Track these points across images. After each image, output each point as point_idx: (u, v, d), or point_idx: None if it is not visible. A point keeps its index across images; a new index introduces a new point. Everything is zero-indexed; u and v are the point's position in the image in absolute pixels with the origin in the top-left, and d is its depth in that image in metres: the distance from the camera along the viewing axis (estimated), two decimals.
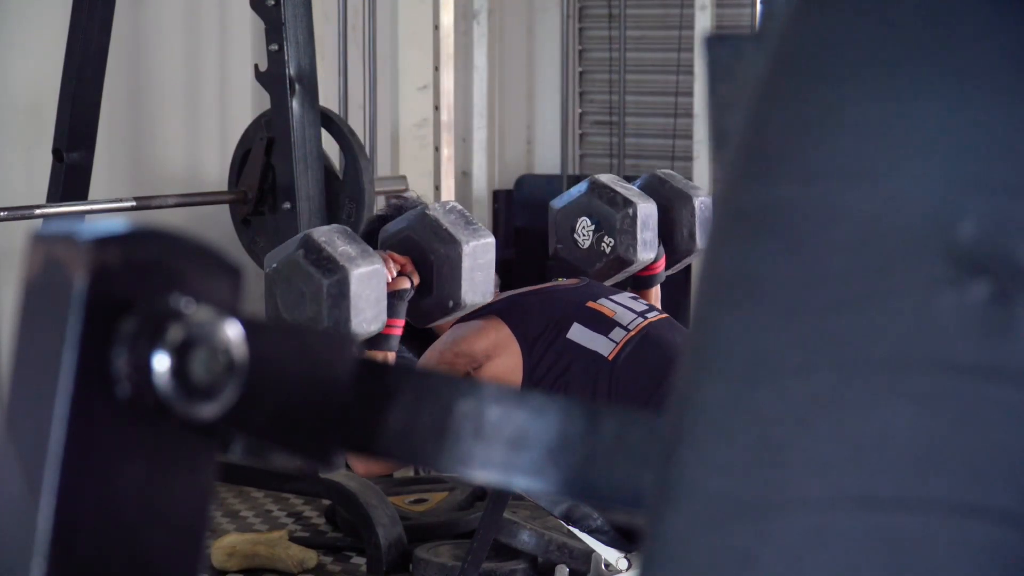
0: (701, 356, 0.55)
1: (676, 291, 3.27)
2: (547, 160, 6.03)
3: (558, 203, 3.07)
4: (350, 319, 2.55)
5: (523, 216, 5.86)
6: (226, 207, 4.19)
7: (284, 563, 3.71)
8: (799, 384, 0.52)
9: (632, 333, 2.79)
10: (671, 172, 3.24)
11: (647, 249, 2.99)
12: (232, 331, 0.67)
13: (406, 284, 2.67)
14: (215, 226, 4.31)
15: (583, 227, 3.00)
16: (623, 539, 2.83)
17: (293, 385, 0.70)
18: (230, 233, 4.15)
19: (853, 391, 0.51)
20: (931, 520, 0.50)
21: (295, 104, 3.90)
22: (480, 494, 4.06)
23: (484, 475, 0.70)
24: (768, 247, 0.54)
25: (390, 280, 2.64)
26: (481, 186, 5.76)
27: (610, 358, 2.76)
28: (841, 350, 0.52)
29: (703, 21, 5.20)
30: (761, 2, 4.93)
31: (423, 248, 2.72)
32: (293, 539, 3.87)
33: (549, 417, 0.68)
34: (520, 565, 3.59)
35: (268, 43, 3.91)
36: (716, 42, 0.62)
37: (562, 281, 3.13)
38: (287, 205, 3.94)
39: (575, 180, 5.72)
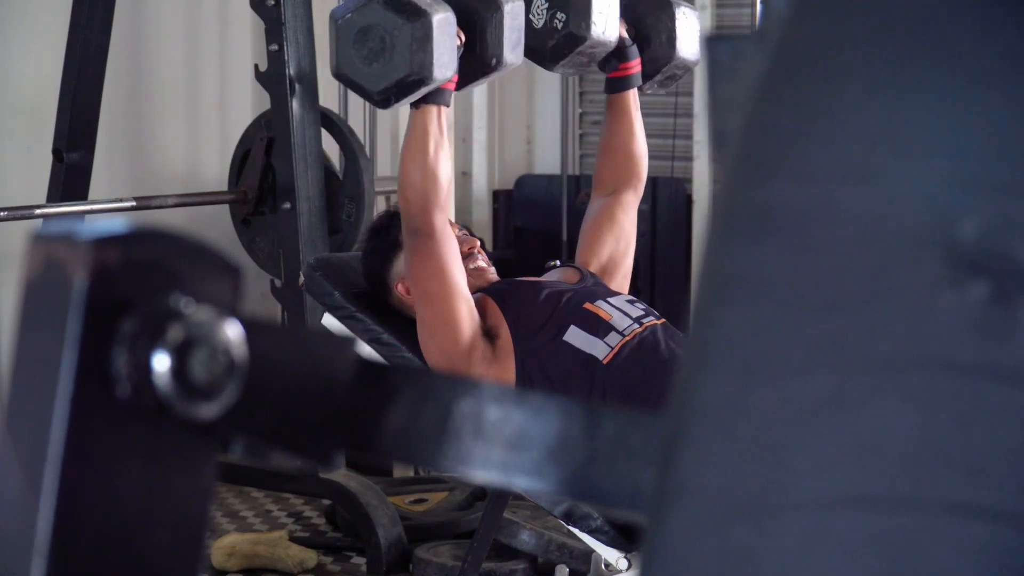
0: (701, 355, 0.55)
1: (676, 291, 3.25)
2: (547, 160, 6.03)
3: None
4: (433, 63, 2.56)
5: (523, 216, 5.86)
6: (226, 207, 4.19)
7: (284, 563, 3.71)
8: (799, 384, 0.52)
9: (628, 338, 2.78)
10: None
11: (604, 29, 2.90)
12: (232, 331, 0.67)
13: (460, 40, 2.69)
14: (215, 226, 4.31)
15: (538, 5, 2.97)
16: (623, 539, 2.83)
17: (293, 385, 0.70)
18: (230, 233, 4.15)
19: (853, 391, 0.51)
20: (931, 520, 0.50)
21: (295, 104, 3.90)
22: (480, 494, 4.06)
23: (484, 475, 0.70)
24: (768, 247, 0.54)
25: None
26: (481, 186, 5.76)
27: (605, 362, 2.75)
28: (841, 350, 0.52)
29: (703, 21, 5.20)
30: (761, 2, 4.94)
31: (467, 7, 2.72)
32: (293, 539, 3.87)
33: (549, 417, 0.68)
34: (520, 565, 3.59)
35: (268, 43, 3.91)
36: (716, 42, 0.62)
37: (556, 264, 3.12)
38: (287, 205, 3.94)
39: (575, 180, 5.73)
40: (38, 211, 3.75)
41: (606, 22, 2.91)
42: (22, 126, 4.45)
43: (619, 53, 3.04)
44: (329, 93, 4.65)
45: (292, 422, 0.71)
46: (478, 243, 3.05)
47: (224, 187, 4.27)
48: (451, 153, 2.75)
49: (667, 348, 2.76)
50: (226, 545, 3.74)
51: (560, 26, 2.91)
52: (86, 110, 4.07)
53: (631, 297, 2.96)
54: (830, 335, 0.52)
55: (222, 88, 5.08)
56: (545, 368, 2.78)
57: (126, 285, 0.65)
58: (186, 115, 5.02)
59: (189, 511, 0.68)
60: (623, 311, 2.84)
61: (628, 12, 3.06)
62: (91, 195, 4.10)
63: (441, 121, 2.71)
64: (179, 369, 0.65)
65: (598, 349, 2.76)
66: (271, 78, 3.91)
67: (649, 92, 3.15)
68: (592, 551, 2.97)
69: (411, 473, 4.46)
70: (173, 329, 0.65)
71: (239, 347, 0.67)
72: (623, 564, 2.87)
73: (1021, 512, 0.50)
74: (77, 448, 0.64)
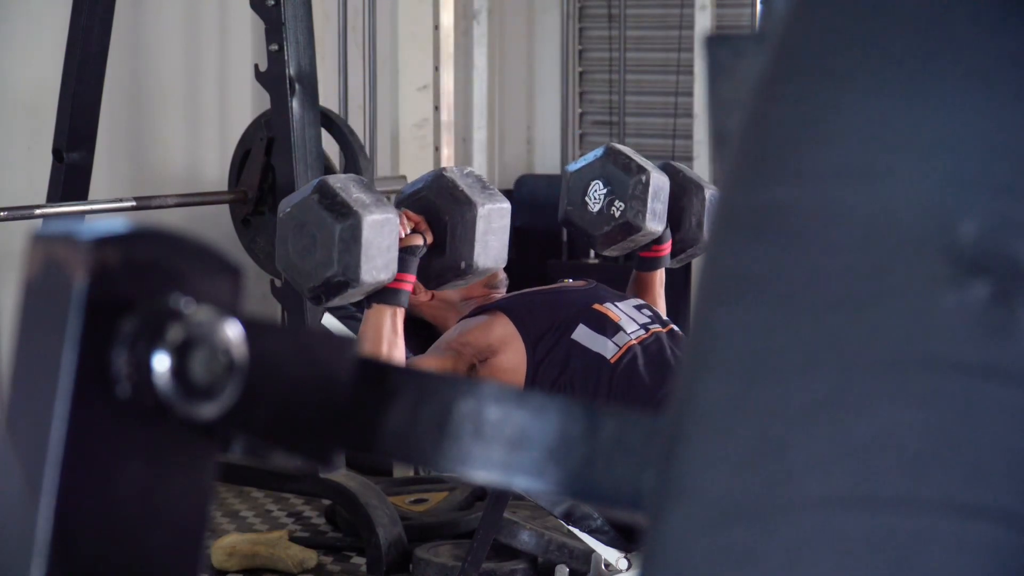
0: (701, 355, 0.55)
1: (676, 291, 3.25)
2: (547, 160, 6.03)
3: (572, 167, 3.08)
4: (360, 265, 2.55)
5: (523, 216, 5.85)
6: (226, 207, 4.19)
7: (284, 563, 3.71)
8: (799, 384, 0.52)
9: (635, 341, 2.79)
10: (680, 165, 3.24)
11: (656, 219, 2.98)
12: (232, 331, 0.67)
13: (419, 241, 2.68)
14: (215, 226, 4.31)
15: (595, 191, 3.00)
16: (623, 539, 2.83)
17: (293, 385, 0.70)
18: (230, 233, 4.15)
19: (853, 391, 0.51)
20: (931, 520, 0.50)
21: (295, 104, 3.90)
22: (480, 494, 4.06)
23: (484, 475, 0.70)
24: (768, 247, 0.54)
25: (403, 236, 2.64)
26: None
27: (612, 361, 2.76)
28: (841, 350, 0.52)
29: (703, 21, 5.20)
30: (761, 2, 4.93)
31: (438, 208, 2.72)
32: (293, 539, 3.87)
33: (549, 417, 0.68)
34: (520, 565, 3.59)
35: (268, 43, 3.91)
36: (716, 42, 0.62)
37: (569, 282, 3.13)
38: None
39: None
40: (38, 211, 3.75)
41: (657, 214, 2.99)
42: (22, 126, 4.45)
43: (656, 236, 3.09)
44: (329, 93, 4.65)
45: (292, 422, 0.70)
46: (503, 276, 3.07)
47: (224, 187, 4.27)
48: (403, 348, 2.71)
49: (671, 354, 2.77)
50: (226, 545, 3.74)
51: (617, 214, 2.97)
52: (86, 110, 4.07)
53: (640, 302, 2.97)
54: (830, 335, 0.52)
55: (222, 88, 5.08)
56: (553, 367, 2.79)
57: (126, 285, 0.65)
58: (186, 115, 5.02)
59: (189, 511, 0.68)
60: (631, 316, 2.86)
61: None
62: (91, 195, 4.10)
63: (396, 321, 2.67)
64: (179, 369, 0.65)
65: (606, 348, 2.78)
66: (271, 78, 3.91)
67: (676, 264, 3.22)
68: (592, 551, 2.97)
69: (411, 473, 4.46)
70: (173, 329, 0.65)
71: (239, 347, 0.67)
72: (623, 564, 2.87)
73: (1021, 512, 0.50)
74: (77, 448, 0.63)
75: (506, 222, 2.79)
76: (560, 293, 2.92)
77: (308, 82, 3.93)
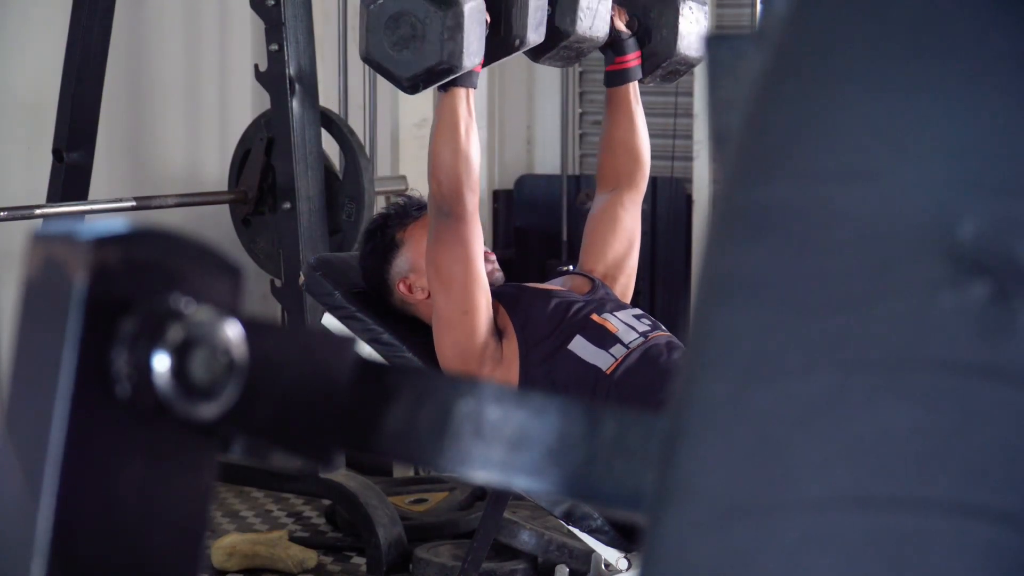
0: (701, 356, 0.55)
1: (676, 291, 3.24)
2: (547, 160, 6.03)
3: None
4: (463, 52, 2.57)
5: (523, 216, 5.86)
6: (226, 207, 4.19)
7: (284, 563, 3.71)
8: (799, 384, 0.52)
9: (632, 350, 2.78)
10: None
11: (591, 23, 2.87)
12: (232, 331, 0.67)
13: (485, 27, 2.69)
14: (215, 226, 4.31)
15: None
16: (623, 539, 2.83)
17: (293, 385, 0.70)
18: (230, 233, 4.15)
19: (853, 391, 0.51)
20: (931, 520, 0.50)
21: (295, 104, 3.90)
22: (480, 494, 4.06)
23: (484, 475, 0.70)
24: (768, 247, 0.54)
25: None
26: (481, 186, 5.75)
27: (608, 372, 2.75)
28: (841, 350, 0.52)
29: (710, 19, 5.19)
30: (761, 2, 4.93)
31: None
32: (293, 539, 3.87)
33: (549, 417, 0.68)
34: (520, 565, 3.59)
35: (268, 43, 3.91)
36: (716, 42, 0.62)
37: (570, 269, 3.12)
38: (287, 205, 3.94)
39: (575, 180, 5.73)
40: (38, 211, 3.75)
41: (593, 18, 2.89)
42: (22, 126, 4.45)
43: (616, 47, 3.02)
44: (329, 93, 4.65)
45: (292, 422, 0.70)
46: (491, 256, 3.05)
47: (224, 187, 4.27)
48: (476, 130, 2.75)
49: (668, 359, 2.76)
50: (226, 545, 3.74)
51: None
52: (86, 110, 4.07)
53: (640, 312, 2.95)
54: (830, 335, 0.52)
55: (222, 88, 5.08)
56: (548, 375, 2.78)
57: (126, 285, 0.65)
58: (186, 115, 5.02)
59: (189, 511, 0.68)
60: (630, 325, 2.84)
61: (632, 4, 3.05)
62: (91, 195, 4.10)
63: (470, 103, 2.71)
64: (179, 369, 0.65)
65: (601, 360, 2.76)
66: (271, 78, 3.91)
67: (651, 85, 3.13)
68: (592, 551, 2.97)
69: (411, 473, 4.46)
70: (173, 329, 0.65)
71: (239, 347, 0.67)
72: (623, 564, 2.87)
73: (1021, 512, 0.50)
74: (77, 448, 0.63)
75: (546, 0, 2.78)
76: (563, 299, 2.91)
77: (308, 82, 3.93)
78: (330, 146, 4.17)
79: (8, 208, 3.70)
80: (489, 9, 2.68)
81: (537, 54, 2.92)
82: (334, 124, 4.17)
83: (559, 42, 2.88)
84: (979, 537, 0.50)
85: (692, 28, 3.05)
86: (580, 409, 0.68)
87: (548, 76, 6.01)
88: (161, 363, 0.65)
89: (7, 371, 0.66)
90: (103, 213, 3.88)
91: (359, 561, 3.80)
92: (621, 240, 3.10)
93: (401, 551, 3.71)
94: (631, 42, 3.02)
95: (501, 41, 2.72)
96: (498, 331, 2.82)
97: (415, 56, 2.58)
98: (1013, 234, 0.51)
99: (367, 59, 2.63)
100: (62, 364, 0.63)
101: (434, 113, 2.75)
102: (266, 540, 3.77)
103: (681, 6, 3.03)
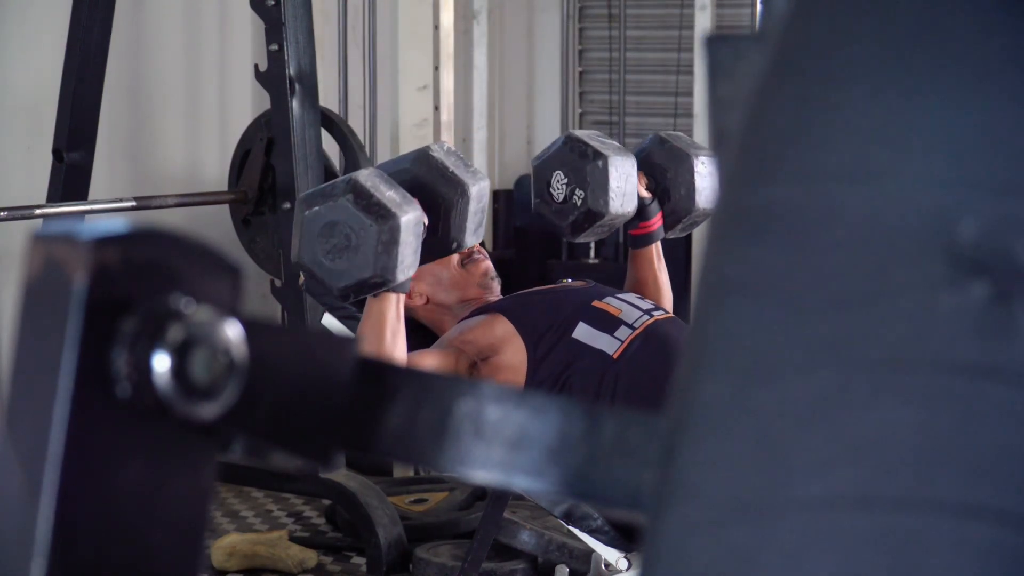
0: (701, 355, 0.55)
1: (677, 291, 3.24)
2: None
3: (536, 160, 3.07)
4: (397, 265, 2.54)
5: (523, 216, 5.85)
6: (226, 207, 4.19)
7: (284, 563, 3.71)
8: (799, 383, 0.52)
9: (637, 331, 2.79)
10: (676, 133, 3.19)
11: (622, 202, 2.95)
12: (232, 331, 0.67)
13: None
14: (215, 226, 4.31)
15: (557, 180, 2.99)
16: (623, 539, 2.83)
17: (293, 385, 0.70)
18: (230, 233, 4.15)
19: (853, 391, 0.51)
20: (931, 520, 0.50)
21: (295, 104, 3.90)
22: (480, 494, 4.06)
23: (484, 475, 0.70)
24: (768, 247, 0.54)
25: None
26: None
27: (615, 356, 2.76)
28: (841, 350, 0.52)
29: (703, 21, 5.20)
30: (761, 2, 4.93)
31: (434, 191, 2.70)
32: (293, 539, 3.87)
33: (549, 417, 0.68)
34: (520, 565, 3.59)
35: (268, 43, 3.91)
36: (716, 42, 0.62)
37: (569, 282, 3.13)
38: (287, 205, 3.94)
39: None
40: (38, 211, 3.75)
41: (624, 196, 2.95)
42: (22, 126, 4.45)
43: (641, 213, 3.06)
44: (329, 93, 4.65)
45: (292, 422, 0.70)
46: (492, 272, 3.06)
47: (224, 187, 4.27)
48: (404, 337, 2.69)
49: (675, 339, 2.77)
50: (226, 545, 3.74)
51: (579, 203, 2.95)
52: (86, 110, 4.07)
53: (640, 294, 2.97)
54: (830, 335, 0.52)
55: (222, 88, 5.08)
56: (554, 366, 2.78)
57: (126, 285, 0.65)
58: (186, 115, 5.02)
59: (189, 511, 0.68)
60: (633, 304, 2.86)
61: (647, 166, 3.10)
62: (91, 195, 4.10)
63: (399, 308, 2.66)
64: (179, 369, 0.65)
65: (606, 344, 2.77)
66: (271, 78, 3.91)
67: (671, 237, 3.19)
68: (592, 551, 2.97)
69: (411, 473, 4.46)
70: (173, 329, 0.65)
71: (239, 347, 0.67)
72: (623, 564, 2.87)
73: (1021, 512, 0.50)
74: (77, 448, 0.63)
75: (487, 199, 2.82)
76: (559, 292, 2.92)
77: (308, 82, 3.93)
78: (330, 146, 4.17)
79: (8, 208, 3.70)
80: (428, 212, 2.65)
81: (573, 235, 3.00)
82: (334, 124, 4.17)
83: (594, 223, 2.94)
84: (979, 537, 0.50)
85: (707, 182, 3.10)
86: (580, 409, 0.68)
87: (548, 76, 6.02)
88: (161, 363, 0.65)
89: (7, 371, 0.66)
90: (103, 213, 3.88)
91: (359, 561, 3.80)
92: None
93: (401, 551, 3.71)
94: (654, 206, 3.08)
95: (438, 242, 2.72)
96: (501, 342, 2.83)
97: (348, 267, 2.53)
98: (1013, 234, 0.51)
99: (298, 264, 2.60)
100: (62, 364, 0.63)
101: (364, 312, 2.70)
102: (266, 540, 3.77)
103: (695, 163, 3.08)
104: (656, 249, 3.13)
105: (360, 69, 5.14)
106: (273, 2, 3.87)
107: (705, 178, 3.11)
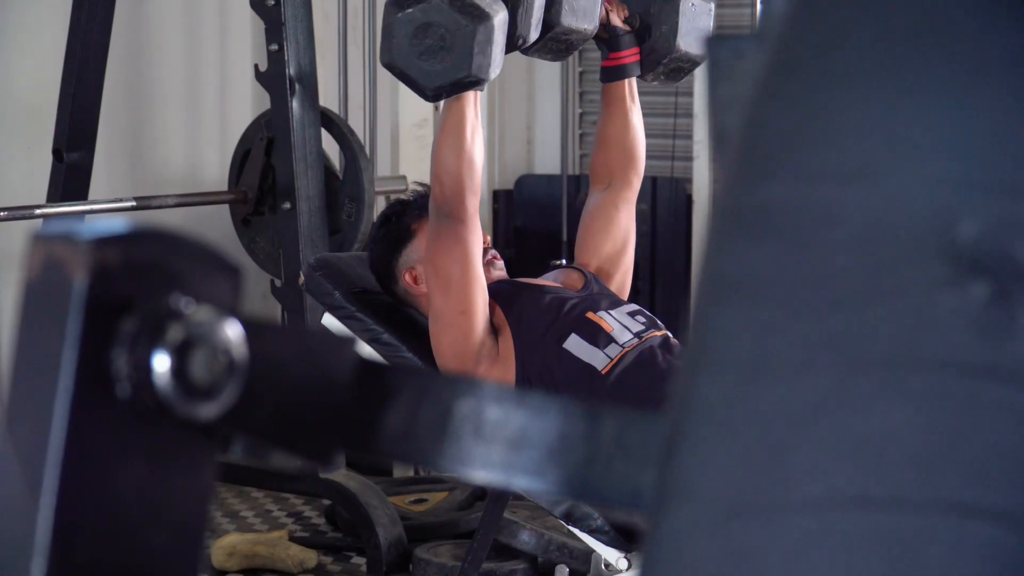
0: (701, 355, 0.55)
1: (676, 291, 3.23)
2: (547, 160, 6.03)
3: None
4: (492, 65, 2.56)
5: (523, 216, 5.86)
6: (226, 207, 4.19)
7: (284, 563, 3.71)
8: (799, 384, 0.52)
9: (627, 350, 2.76)
10: None
11: (579, 17, 2.82)
12: (232, 331, 0.67)
13: None
14: (215, 226, 4.31)
15: None
16: (623, 539, 2.83)
17: (293, 385, 0.70)
18: (230, 233, 4.15)
19: (853, 391, 0.51)
20: (931, 520, 0.50)
21: (295, 104, 3.90)
22: (480, 494, 4.06)
23: (484, 475, 0.70)
24: (768, 247, 0.54)
25: None
26: (481, 186, 5.75)
27: (604, 372, 2.75)
28: (841, 350, 0.52)
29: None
30: (761, 2, 4.93)
31: None
32: (293, 539, 3.87)
33: (549, 417, 0.68)
34: (520, 565, 3.59)
35: (268, 43, 3.91)
36: (716, 42, 0.62)
37: (560, 264, 3.11)
38: (287, 205, 3.94)
39: (575, 180, 5.73)
40: (38, 211, 3.75)
41: (581, 14, 2.85)
42: (22, 126, 4.45)
43: (611, 43, 2.98)
44: (329, 93, 4.65)
45: (292, 422, 0.71)
46: (488, 239, 3.04)
47: (224, 187, 4.27)
48: (482, 140, 2.73)
49: (664, 361, 2.75)
50: (226, 545, 3.74)
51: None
52: (86, 110, 4.07)
53: (635, 308, 2.93)
54: (830, 335, 0.52)
55: (222, 88, 5.08)
56: (544, 374, 2.77)
57: (126, 285, 0.65)
58: (186, 115, 5.02)
59: (189, 511, 0.68)
60: (624, 324, 2.83)
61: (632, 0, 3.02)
62: (91, 195, 4.10)
63: (477, 106, 2.70)
64: (179, 369, 0.65)
65: (597, 359, 2.75)
66: (271, 78, 3.91)
67: (655, 83, 3.09)
68: (592, 551, 2.97)
69: (411, 473, 4.46)
70: (173, 329, 0.65)
71: (239, 347, 0.67)
72: (623, 564, 2.87)
73: (1021, 512, 0.50)
74: (77, 448, 0.63)
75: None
76: (557, 296, 2.90)
77: (308, 82, 3.93)
78: (330, 146, 4.17)
79: (8, 208, 3.70)
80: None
81: (527, 50, 2.91)
82: (334, 124, 4.17)
83: (545, 33, 2.84)
84: (979, 537, 0.50)
85: (694, 24, 3.01)
86: (580, 409, 0.68)
87: (548, 76, 6.01)
88: (161, 363, 0.65)
89: (7, 371, 0.66)
90: (103, 213, 3.88)
91: (359, 561, 3.80)
92: (615, 238, 3.08)
93: (401, 551, 3.71)
94: (627, 39, 2.97)
95: (507, 41, 2.72)
96: (494, 329, 2.82)
97: (443, 67, 2.56)
98: (1013, 234, 0.51)
99: (390, 65, 2.61)
100: (62, 364, 0.63)
101: (441, 113, 2.73)
102: (266, 540, 3.77)
103: (682, 3, 2.97)
104: (628, 86, 3.02)
105: (360, 69, 5.13)
106: (273, 2, 3.87)
107: (691, 20, 2.97)
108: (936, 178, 0.52)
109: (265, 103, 4.07)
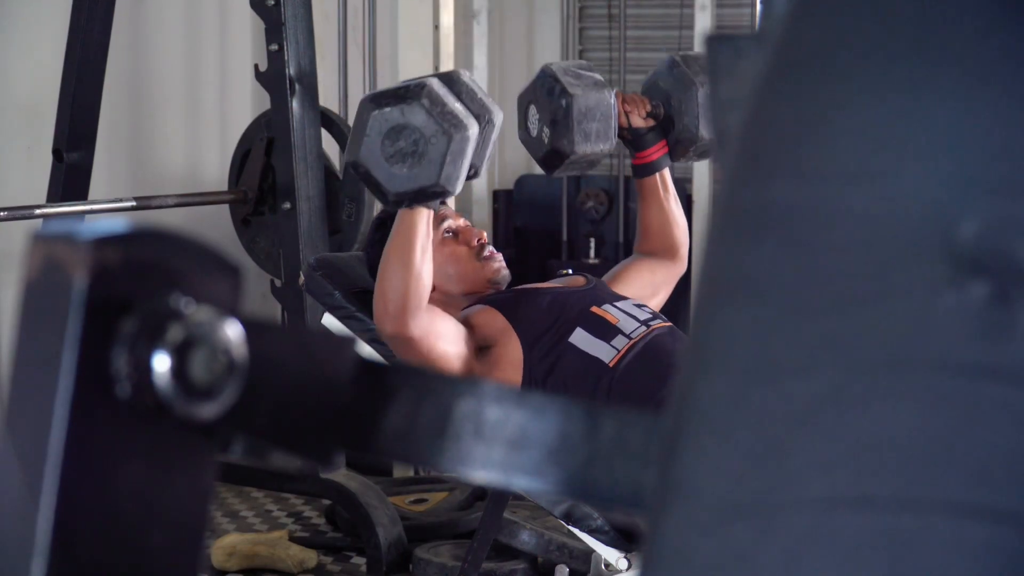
0: (701, 356, 0.55)
1: (676, 290, 3.23)
2: None
3: (523, 89, 2.99)
4: (459, 177, 2.52)
5: (523, 216, 5.85)
6: (226, 207, 4.19)
7: (284, 563, 3.71)
8: (799, 384, 0.52)
9: (634, 341, 2.77)
10: (693, 54, 3.06)
11: (593, 141, 2.86)
12: (232, 331, 0.67)
13: None
14: (215, 226, 4.31)
15: (532, 114, 2.95)
16: (623, 539, 2.83)
17: (293, 385, 0.70)
18: (230, 233, 4.15)
19: (853, 391, 0.51)
20: (931, 520, 0.50)
21: (295, 104, 3.90)
22: (480, 494, 4.06)
23: (484, 475, 0.70)
24: (768, 247, 0.54)
25: None
26: (481, 186, 5.76)
27: (611, 365, 2.74)
28: (841, 350, 0.52)
29: (703, 21, 5.20)
30: (761, 2, 4.93)
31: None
32: (293, 539, 3.87)
33: (549, 417, 0.68)
34: (520, 565, 3.59)
35: (268, 43, 3.91)
36: (716, 42, 0.62)
37: (568, 273, 3.11)
38: (287, 205, 3.94)
39: (575, 180, 5.73)
40: (38, 211, 3.75)
41: (595, 137, 2.87)
42: (22, 126, 4.45)
43: (636, 143, 3.01)
44: (329, 93, 4.65)
45: (292, 422, 0.71)
46: (484, 235, 3.03)
47: (224, 187, 4.27)
48: (431, 260, 2.67)
49: (672, 351, 2.75)
50: (226, 545, 3.74)
51: (547, 140, 2.89)
52: (86, 110, 4.07)
53: (638, 302, 2.94)
54: (830, 335, 0.52)
55: (222, 88, 5.08)
56: (550, 371, 2.77)
57: (126, 285, 0.65)
58: (186, 115, 5.02)
59: (189, 511, 0.68)
60: (630, 314, 2.83)
61: (655, 91, 3.02)
62: (91, 195, 4.10)
63: (429, 223, 2.64)
64: (179, 369, 0.65)
65: (603, 352, 2.75)
66: (271, 78, 3.91)
67: (684, 163, 3.12)
68: (592, 551, 2.97)
69: (411, 473, 4.46)
70: (173, 329, 0.65)
71: (239, 347, 0.67)
72: (623, 564, 2.87)
73: (1021, 512, 0.50)
74: (77, 448, 0.64)
75: (496, 133, 2.76)
76: (558, 294, 2.90)
77: (308, 82, 3.93)
78: (330, 146, 4.17)
79: (8, 208, 3.70)
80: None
81: (548, 169, 2.94)
82: (334, 124, 4.17)
83: (564, 160, 2.87)
84: (979, 537, 0.50)
85: None
86: (580, 409, 0.68)
87: None
88: (161, 363, 0.65)
89: (7, 371, 0.66)
90: (103, 213, 3.88)
91: (359, 561, 3.80)
92: (644, 290, 3.09)
93: (401, 551, 3.71)
94: (651, 136, 3.00)
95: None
96: (498, 337, 2.81)
97: (411, 173, 2.50)
98: (1013, 234, 0.51)
99: (355, 164, 2.54)
100: (62, 364, 0.63)
101: (395, 224, 2.65)
102: (266, 540, 3.77)
103: (700, 91, 2.97)
104: (662, 179, 3.04)
105: (360, 69, 5.13)
106: (273, 2, 3.87)
107: None
108: (936, 178, 0.52)
109: (265, 103, 4.07)
